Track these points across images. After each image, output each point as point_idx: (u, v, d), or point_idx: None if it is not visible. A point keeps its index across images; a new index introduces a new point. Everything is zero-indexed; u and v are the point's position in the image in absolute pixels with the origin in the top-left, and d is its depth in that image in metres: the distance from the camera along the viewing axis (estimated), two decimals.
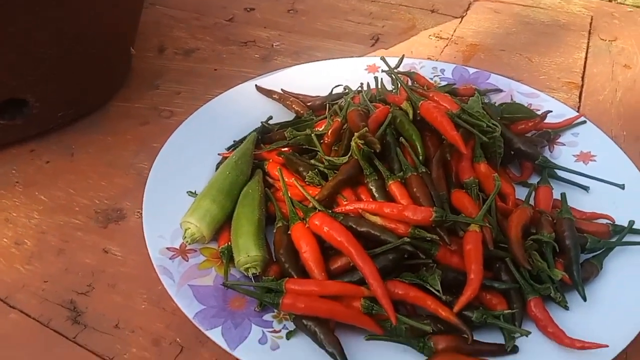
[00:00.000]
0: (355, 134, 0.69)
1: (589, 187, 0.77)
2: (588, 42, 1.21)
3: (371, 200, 0.68)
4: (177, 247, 0.69)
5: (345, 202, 0.68)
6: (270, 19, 1.32)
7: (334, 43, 1.23)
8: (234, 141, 0.87)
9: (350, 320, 0.58)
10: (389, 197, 0.68)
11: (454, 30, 1.26)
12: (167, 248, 0.68)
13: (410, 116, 0.76)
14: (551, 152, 0.85)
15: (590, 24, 1.28)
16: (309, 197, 0.68)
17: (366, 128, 0.69)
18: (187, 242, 0.68)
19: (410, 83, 0.93)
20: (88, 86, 0.98)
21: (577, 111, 0.96)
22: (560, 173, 0.79)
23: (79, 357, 0.63)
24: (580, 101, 1.03)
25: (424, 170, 0.70)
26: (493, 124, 0.74)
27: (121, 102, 1.06)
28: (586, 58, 1.16)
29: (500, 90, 0.96)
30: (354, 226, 0.64)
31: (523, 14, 1.32)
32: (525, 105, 0.91)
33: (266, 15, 1.34)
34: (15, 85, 0.86)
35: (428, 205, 0.64)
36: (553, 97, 0.95)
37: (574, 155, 0.83)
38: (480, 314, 0.58)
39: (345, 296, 0.60)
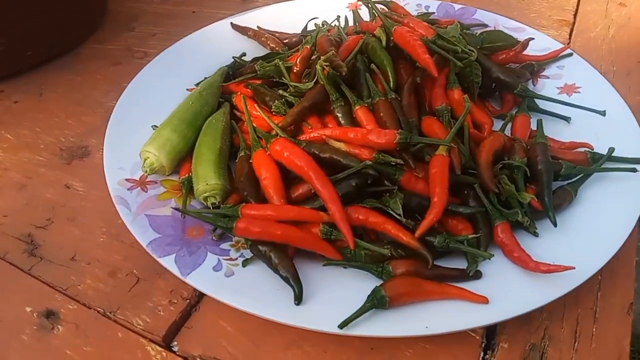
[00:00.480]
0: (322, 57, 0.66)
1: (570, 118, 0.73)
2: None
3: (336, 126, 0.65)
4: (137, 178, 0.66)
5: (310, 130, 0.65)
6: None
7: None
8: (204, 78, 0.83)
9: (307, 245, 0.56)
10: (355, 124, 0.65)
11: None
12: (127, 179, 0.66)
13: (384, 42, 0.72)
14: (535, 85, 0.81)
15: None
16: (271, 124, 0.65)
17: (333, 51, 0.66)
18: (145, 171, 0.66)
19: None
20: (58, 26, 0.95)
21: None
22: (541, 105, 0.75)
23: (32, 288, 0.61)
24: (570, 38, 0.98)
25: (393, 96, 0.66)
26: (469, 49, 0.70)
27: (94, 44, 1.02)
28: None
29: (486, 25, 0.91)
30: (316, 152, 0.61)
31: None
32: None
33: None
34: None
35: (394, 129, 0.61)
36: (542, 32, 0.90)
37: (557, 88, 0.79)
38: (443, 239, 0.55)
39: (303, 221, 0.57)
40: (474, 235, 0.56)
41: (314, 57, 0.73)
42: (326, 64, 0.65)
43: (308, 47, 0.72)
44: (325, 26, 0.86)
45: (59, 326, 0.57)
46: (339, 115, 0.65)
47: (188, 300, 0.59)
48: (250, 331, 0.56)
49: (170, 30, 1.05)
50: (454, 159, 0.59)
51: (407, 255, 0.55)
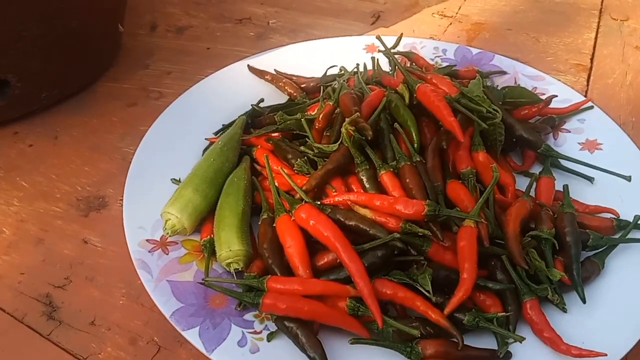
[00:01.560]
0: (346, 119, 0.65)
1: (593, 178, 0.73)
2: (599, 22, 1.15)
3: (361, 191, 0.65)
4: (158, 239, 0.66)
5: (334, 193, 0.65)
6: None
7: (333, 21, 1.18)
8: (222, 125, 0.83)
9: (334, 322, 0.55)
10: (380, 188, 0.64)
11: (459, 8, 1.21)
12: (147, 240, 0.65)
13: (406, 100, 0.72)
14: (555, 139, 0.80)
15: (602, 2, 1.21)
16: (295, 188, 0.64)
17: (358, 113, 0.65)
18: (167, 234, 0.65)
19: (408, 64, 0.88)
20: (73, 65, 0.94)
21: (585, 95, 0.91)
22: (564, 162, 0.75)
23: (52, 356, 0.60)
24: (588, 84, 0.98)
25: (418, 159, 0.66)
26: (494, 109, 0.69)
27: (109, 82, 1.02)
28: (596, 38, 1.10)
29: (504, 73, 0.91)
30: (342, 219, 0.61)
31: None
32: (530, 88, 0.86)
33: None
34: None
35: (421, 198, 0.60)
36: (560, 80, 0.90)
37: (579, 143, 0.78)
38: (472, 317, 0.54)
39: (330, 295, 0.56)
40: (504, 314, 0.55)
41: (336, 111, 0.73)
42: (351, 127, 0.64)
43: (330, 103, 0.71)
44: (344, 74, 0.86)
45: None
46: (364, 179, 0.65)
47: None
48: None
49: (185, 68, 1.04)
50: (482, 230, 0.58)
51: (436, 334, 0.55)
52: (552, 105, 0.83)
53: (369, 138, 0.65)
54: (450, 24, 1.15)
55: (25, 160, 0.86)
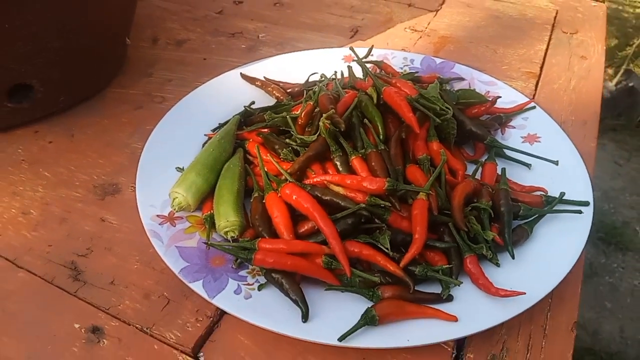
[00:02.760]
0: (324, 115, 0.79)
1: (530, 165, 0.87)
2: (550, 35, 1.30)
3: (335, 173, 0.78)
4: (166, 214, 0.79)
5: (314, 175, 0.78)
6: (257, 12, 1.41)
7: (316, 35, 1.32)
8: (219, 124, 0.96)
9: (312, 273, 0.68)
10: (351, 171, 0.78)
11: (428, 23, 1.35)
12: (157, 215, 0.78)
13: (375, 100, 0.85)
14: (503, 134, 0.94)
15: (555, 17, 1.37)
16: (282, 171, 0.78)
17: (333, 110, 0.79)
18: (174, 209, 0.78)
19: (378, 71, 1.02)
20: (87, 73, 1.07)
21: (532, 99, 1.06)
22: (507, 153, 0.89)
23: (79, 308, 0.72)
24: (536, 89, 1.12)
25: (383, 147, 0.80)
26: (446, 107, 0.83)
27: (117, 88, 1.15)
28: (547, 50, 1.25)
29: (462, 79, 1.05)
30: (319, 195, 0.74)
31: (493, 8, 1.41)
32: (484, 92, 1.01)
33: (253, 8, 1.43)
34: (23, 72, 0.95)
35: (383, 177, 0.74)
36: (511, 85, 1.04)
37: (521, 137, 0.93)
38: (423, 269, 0.68)
39: (309, 253, 0.69)
40: (448, 266, 0.69)
41: (316, 110, 0.86)
42: (327, 121, 0.78)
43: (311, 103, 0.85)
44: (324, 80, 1.00)
45: (104, 340, 0.69)
46: (338, 163, 0.78)
47: (211, 318, 0.71)
48: (264, 344, 0.68)
49: (184, 76, 1.17)
50: (432, 202, 0.72)
51: (393, 282, 0.68)
52: (502, 107, 0.97)
53: (342, 130, 0.79)
54: (420, 37, 1.30)
55: (46, 154, 0.98)
